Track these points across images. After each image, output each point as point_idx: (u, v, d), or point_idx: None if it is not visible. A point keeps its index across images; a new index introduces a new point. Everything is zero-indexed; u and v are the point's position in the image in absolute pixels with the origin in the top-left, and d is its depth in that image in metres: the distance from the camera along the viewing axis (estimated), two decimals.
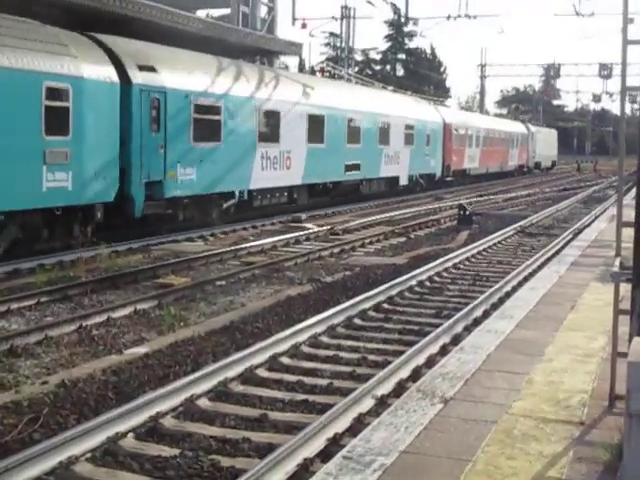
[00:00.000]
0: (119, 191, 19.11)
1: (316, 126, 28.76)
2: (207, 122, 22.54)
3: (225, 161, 23.19)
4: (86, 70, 18.11)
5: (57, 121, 17.22)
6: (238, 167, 24.06)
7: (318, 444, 7.00)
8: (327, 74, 42.64)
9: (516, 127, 65.62)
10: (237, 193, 24.28)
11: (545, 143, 75.08)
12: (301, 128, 27.84)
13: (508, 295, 13.40)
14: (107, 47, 19.58)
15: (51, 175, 17.17)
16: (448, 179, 45.28)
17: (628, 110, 45.61)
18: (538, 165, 72.26)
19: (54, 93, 17.22)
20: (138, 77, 19.87)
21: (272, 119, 26.04)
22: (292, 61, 42.18)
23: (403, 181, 38.03)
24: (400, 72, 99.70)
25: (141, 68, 20.11)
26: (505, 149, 59.59)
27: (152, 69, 20.46)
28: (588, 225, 24.53)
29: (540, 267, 16.31)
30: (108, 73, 18.85)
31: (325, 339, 11.08)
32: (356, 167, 32.04)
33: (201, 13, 41.17)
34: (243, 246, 19.58)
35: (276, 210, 26.37)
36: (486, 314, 12.03)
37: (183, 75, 21.78)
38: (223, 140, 23.21)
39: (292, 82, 28.97)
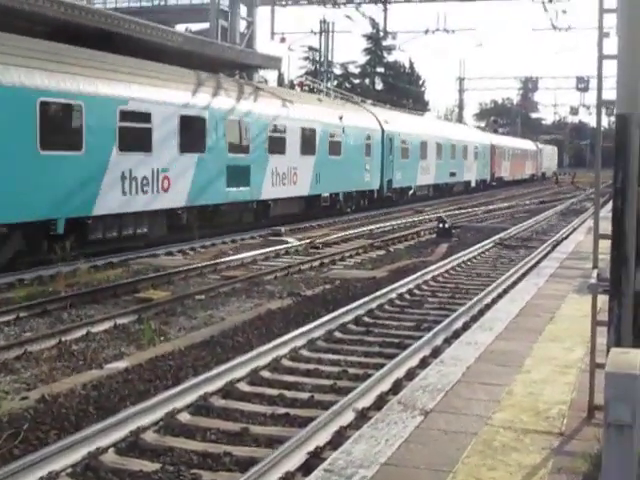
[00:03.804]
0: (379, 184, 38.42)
1: (439, 149, 48.23)
2: (404, 148, 41.85)
3: (409, 169, 42.78)
4: (373, 125, 38.31)
5: (367, 150, 36.76)
6: (414, 172, 43.74)
7: (299, 457, 7.02)
8: (306, 88, 42.92)
9: (529, 145, 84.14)
10: (413, 187, 44.33)
11: (548, 157, 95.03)
12: (434, 151, 47.23)
13: (488, 307, 13.46)
14: (370, 111, 40.64)
15: (365, 175, 36.63)
16: (493, 183, 64.12)
17: (605, 123, 46.04)
18: (544, 174, 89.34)
19: (369, 137, 37.12)
20: (385, 127, 39.21)
21: (424, 147, 45.45)
22: (271, 75, 42.39)
23: (473, 183, 57.37)
24: (379, 86, 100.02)
25: (384, 122, 39.64)
26: (523, 162, 78.12)
27: (387, 122, 40.03)
28: (566, 237, 24.69)
29: (519, 279, 16.40)
30: (377, 126, 38.68)
31: (306, 353, 11.10)
32: (454, 174, 51.75)
33: (180, 27, 41.12)
34: (223, 260, 19.57)
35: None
36: (466, 326, 12.09)
37: (398, 124, 41.94)
38: (409, 157, 42.50)
39: (431, 123, 56.04)
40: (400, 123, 42.79)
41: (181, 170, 22.42)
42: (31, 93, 17.03)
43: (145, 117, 20.63)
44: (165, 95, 21.63)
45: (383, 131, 38.71)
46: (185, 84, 23.24)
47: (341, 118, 33.83)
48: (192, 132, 22.79)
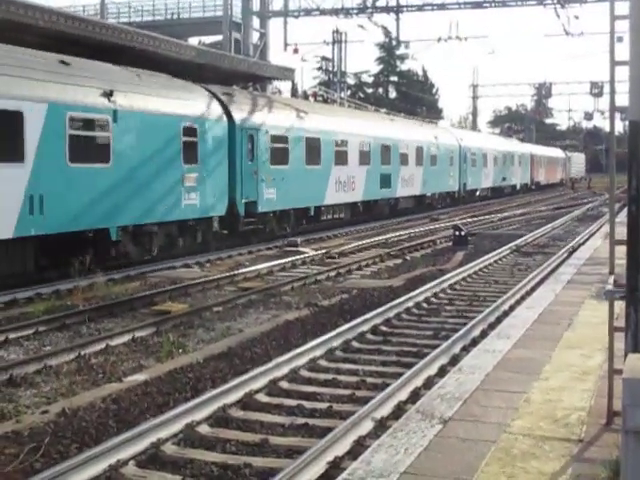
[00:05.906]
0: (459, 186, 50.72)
1: (495, 158, 59.38)
2: (473, 159, 52.76)
3: (477, 175, 54.08)
4: (454, 142, 49.32)
5: (451, 161, 48.11)
6: (479, 177, 54.99)
7: (319, 468, 7.03)
8: (320, 98, 43.16)
9: (560, 153, 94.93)
10: (478, 189, 56.08)
11: (576, 164, 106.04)
12: (492, 160, 58.21)
13: (505, 314, 13.44)
14: (450, 131, 54.32)
15: (450, 180, 47.99)
16: (532, 187, 74.64)
17: (620, 127, 45.87)
18: (572, 179, 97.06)
19: (452, 151, 48.96)
20: (460, 143, 50.27)
21: (485, 158, 56.29)
22: (285, 86, 42.46)
23: (518, 186, 68.55)
24: (392, 94, 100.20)
25: (460, 139, 50.27)
26: (555, 168, 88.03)
27: (462, 139, 50.31)
28: (583, 243, 24.60)
29: (536, 286, 16.37)
30: (456, 142, 49.46)
31: (324, 363, 11.11)
32: (505, 179, 62.90)
33: (193, 40, 41.29)
34: (239, 272, 19.61)
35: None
36: (483, 334, 12.08)
37: (469, 140, 53.62)
38: (476, 166, 53.69)
39: (487, 138, 69.34)
40: (470, 139, 55.04)
41: (359, 177, 34.36)
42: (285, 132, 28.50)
43: (345, 144, 33.00)
44: (350, 129, 33.86)
45: (460, 146, 50.13)
46: (357, 119, 37.36)
47: (436, 137, 45.89)
48: (364, 152, 35.13)
